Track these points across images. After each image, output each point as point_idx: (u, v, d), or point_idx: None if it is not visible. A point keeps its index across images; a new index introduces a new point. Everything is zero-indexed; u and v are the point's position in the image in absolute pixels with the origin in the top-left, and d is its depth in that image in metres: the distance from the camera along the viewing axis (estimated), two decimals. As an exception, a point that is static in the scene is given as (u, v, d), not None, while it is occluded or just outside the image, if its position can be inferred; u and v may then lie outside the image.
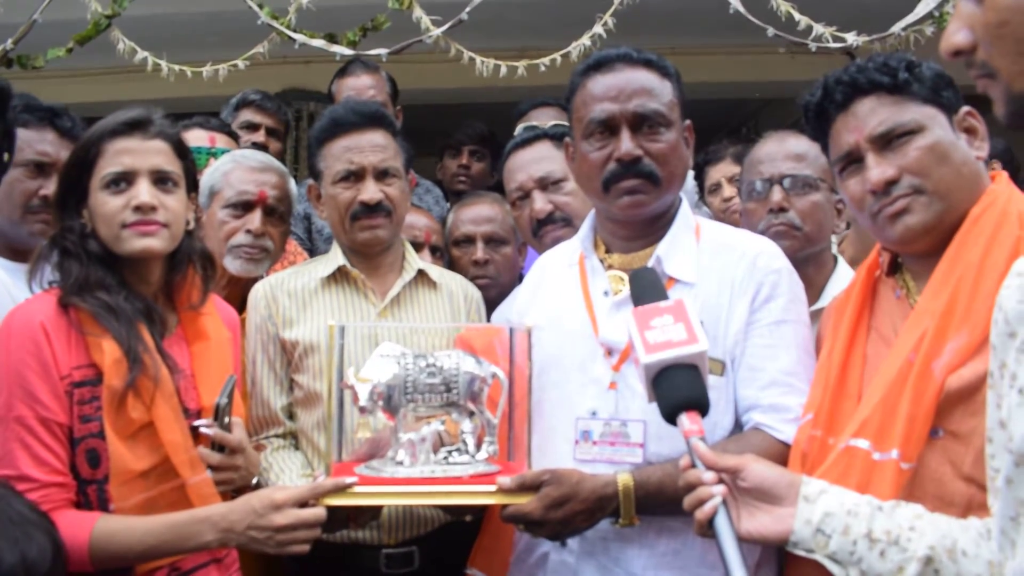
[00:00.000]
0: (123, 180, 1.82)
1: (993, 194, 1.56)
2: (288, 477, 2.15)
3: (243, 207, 2.51)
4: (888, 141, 1.59)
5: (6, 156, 1.94)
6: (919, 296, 1.59)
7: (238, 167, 2.56)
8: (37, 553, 1.41)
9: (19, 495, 1.54)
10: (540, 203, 2.49)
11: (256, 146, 3.58)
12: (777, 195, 2.33)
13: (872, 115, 1.61)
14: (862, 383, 1.61)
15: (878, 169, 1.58)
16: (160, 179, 1.85)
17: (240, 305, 2.34)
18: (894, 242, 1.63)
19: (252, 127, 3.65)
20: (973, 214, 1.53)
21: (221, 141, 3.22)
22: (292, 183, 2.66)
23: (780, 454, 1.69)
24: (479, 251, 2.80)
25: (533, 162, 2.55)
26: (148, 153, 1.85)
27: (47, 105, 2.35)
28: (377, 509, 1.93)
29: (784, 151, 2.39)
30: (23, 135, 2.22)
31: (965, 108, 1.61)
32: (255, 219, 2.49)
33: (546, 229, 2.49)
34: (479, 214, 2.85)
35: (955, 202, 1.56)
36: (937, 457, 1.45)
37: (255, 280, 2.50)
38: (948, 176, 1.56)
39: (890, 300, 1.67)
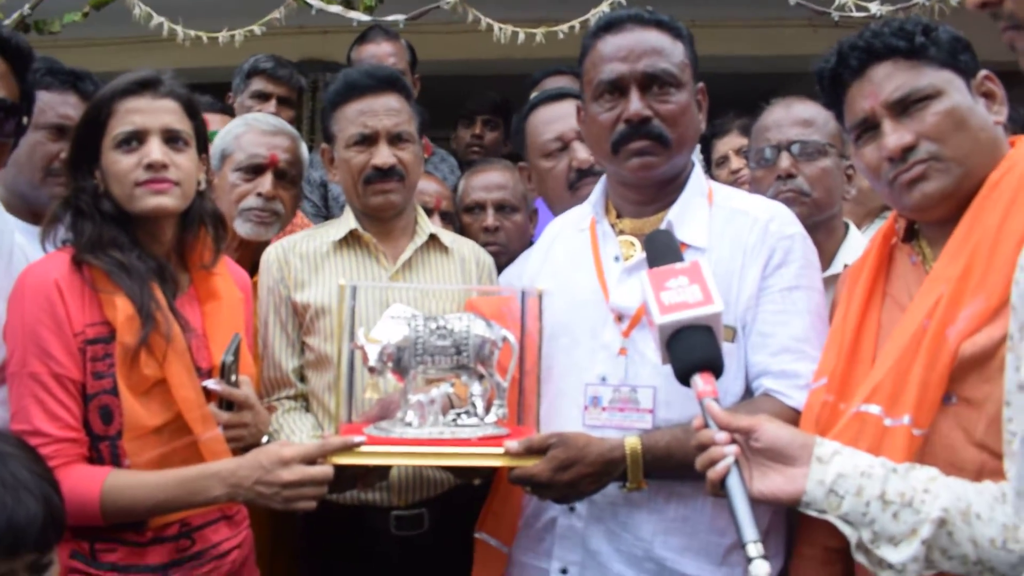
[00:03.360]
0: (134, 139, 1.83)
1: (1012, 159, 1.53)
2: (298, 438, 2.16)
3: (254, 170, 2.51)
4: (905, 107, 1.56)
5: (25, 119, 1.94)
6: (935, 262, 1.57)
7: (249, 130, 2.56)
8: (24, 519, 1.42)
9: (25, 454, 1.54)
10: (584, 153, 2.44)
11: None
12: (785, 161, 2.32)
13: (888, 80, 1.57)
14: (876, 349, 1.60)
15: (895, 135, 1.55)
16: (171, 138, 1.85)
17: (251, 268, 2.34)
18: (911, 209, 1.60)
19: (263, 97, 3.58)
20: (991, 179, 1.50)
21: (215, 123, 3.13)
22: (303, 147, 2.66)
23: (790, 420, 1.67)
24: (489, 218, 2.79)
25: (572, 114, 2.44)
26: (159, 112, 1.85)
27: (69, 68, 2.35)
28: (385, 470, 1.94)
29: (792, 117, 2.38)
30: (45, 98, 2.22)
31: (983, 72, 1.57)
32: (266, 182, 2.50)
33: (586, 180, 2.42)
34: (490, 181, 2.85)
35: (973, 168, 1.53)
36: (949, 423, 1.44)
37: (266, 244, 2.50)
38: (966, 142, 1.53)
39: (906, 266, 1.65)
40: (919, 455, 1.43)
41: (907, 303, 1.58)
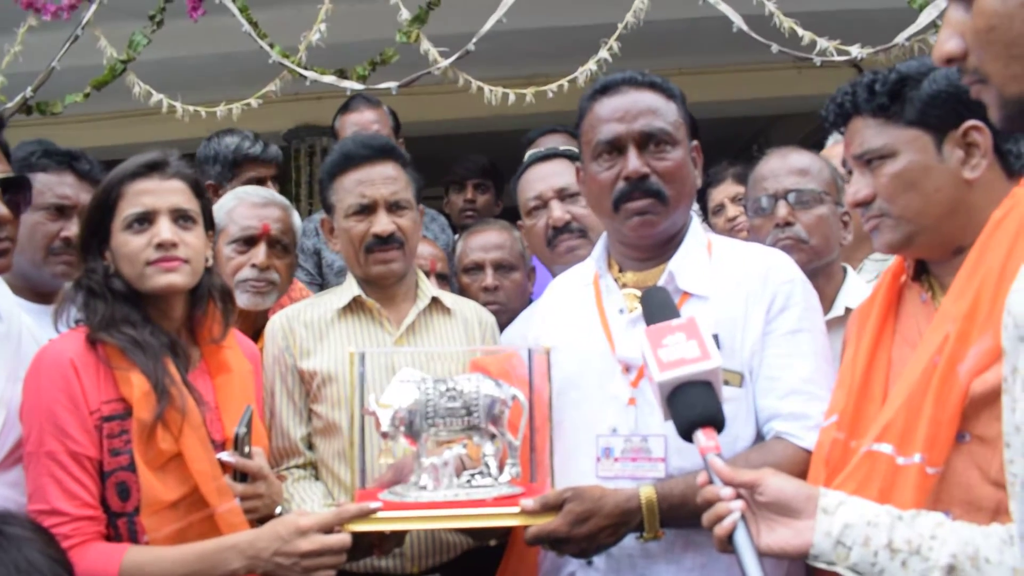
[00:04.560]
0: (144, 220, 1.87)
1: (1016, 196, 1.55)
2: (309, 507, 2.16)
3: (247, 242, 2.54)
4: (868, 161, 1.65)
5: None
6: (943, 299, 1.60)
7: (241, 204, 2.60)
8: None
9: (39, 538, 1.53)
10: (558, 212, 2.55)
11: None
12: (783, 210, 2.38)
13: (856, 136, 1.67)
14: (887, 387, 1.62)
15: (853, 188, 1.67)
16: (179, 217, 1.89)
17: (251, 338, 2.35)
18: (879, 251, 1.71)
19: (260, 182, 3.41)
20: (995, 218, 1.53)
21: None
22: (296, 216, 2.70)
23: (803, 462, 1.70)
24: (488, 277, 2.84)
25: (553, 174, 2.61)
26: (167, 193, 1.90)
27: (65, 149, 2.40)
28: (401, 536, 1.94)
29: (787, 166, 2.45)
30: (43, 179, 2.27)
31: (968, 123, 1.59)
32: (259, 253, 2.52)
33: (561, 238, 2.54)
34: (488, 241, 2.91)
35: (926, 224, 1.60)
36: (964, 461, 1.45)
37: (264, 313, 2.54)
38: (915, 202, 1.60)
39: (916, 304, 1.68)
40: (934, 494, 1.44)
41: (917, 341, 1.60)
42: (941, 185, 1.60)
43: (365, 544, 1.81)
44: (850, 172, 1.71)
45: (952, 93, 1.60)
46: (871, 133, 1.64)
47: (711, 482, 1.47)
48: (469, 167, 4.28)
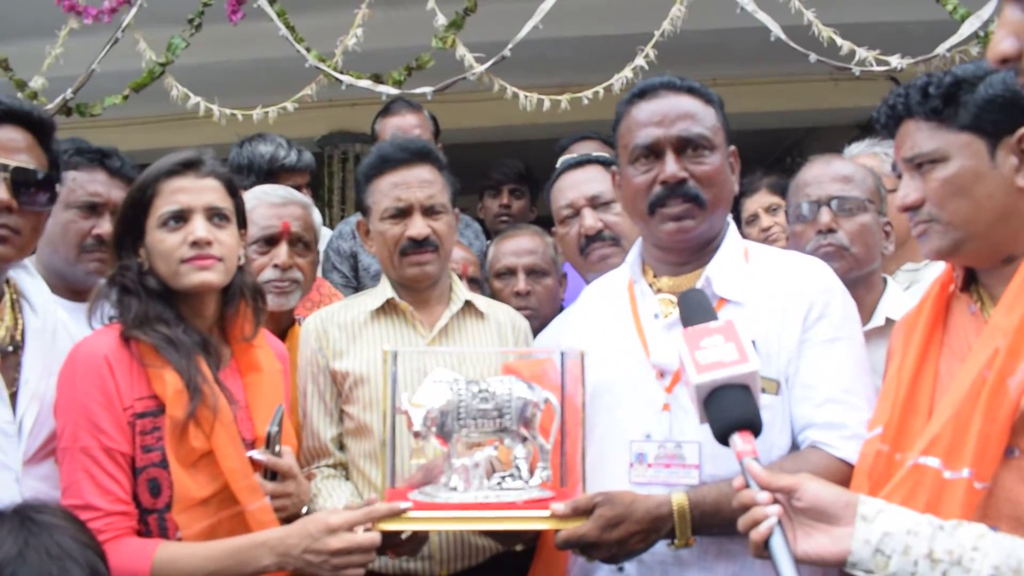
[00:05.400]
0: (179, 217, 1.88)
1: None
2: (335, 503, 2.15)
3: (268, 242, 2.53)
4: (919, 165, 1.61)
5: (57, 186, 1.99)
6: (993, 311, 1.56)
7: (260, 204, 2.58)
8: None
9: (71, 525, 1.55)
10: (590, 220, 2.55)
11: None
12: (825, 216, 2.35)
13: (907, 139, 1.63)
14: (933, 399, 1.58)
15: (902, 192, 1.63)
16: (214, 215, 1.90)
17: (278, 338, 2.36)
18: (927, 257, 1.67)
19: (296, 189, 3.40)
20: None
21: None
22: (316, 212, 2.69)
23: (838, 471, 1.67)
24: (520, 282, 2.84)
25: (585, 182, 2.61)
26: (202, 191, 1.91)
27: (96, 147, 2.43)
28: (424, 537, 1.93)
29: (831, 173, 2.41)
30: (75, 177, 2.30)
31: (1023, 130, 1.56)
32: (281, 253, 2.51)
33: (594, 246, 2.54)
34: (520, 246, 2.91)
35: (975, 231, 1.56)
36: (1013, 477, 1.42)
37: (289, 313, 2.54)
38: (964, 208, 1.56)
39: (964, 315, 1.64)
40: (981, 509, 1.41)
41: (965, 353, 1.57)
42: (993, 192, 1.56)
43: (392, 544, 1.81)
44: (899, 176, 1.68)
45: (1009, 98, 1.55)
46: (923, 136, 1.60)
47: (747, 486, 1.45)
48: (506, 172, 4.27)
